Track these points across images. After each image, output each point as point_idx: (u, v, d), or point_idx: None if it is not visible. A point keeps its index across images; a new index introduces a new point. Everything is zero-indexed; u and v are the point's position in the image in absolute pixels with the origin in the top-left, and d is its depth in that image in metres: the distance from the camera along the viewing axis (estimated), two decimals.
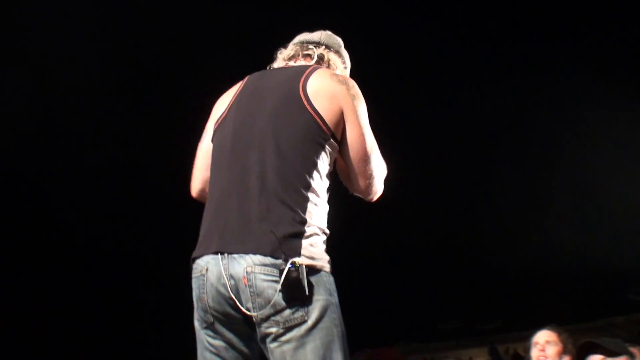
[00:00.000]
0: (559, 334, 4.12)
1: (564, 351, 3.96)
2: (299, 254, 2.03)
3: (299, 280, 1.99)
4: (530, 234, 29.30)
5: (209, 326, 2.18)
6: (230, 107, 2.39)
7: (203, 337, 2.21)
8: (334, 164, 2.35)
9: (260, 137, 2.21)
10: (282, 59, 2.51)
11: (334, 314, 2.10)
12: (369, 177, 2.35)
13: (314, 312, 2.04)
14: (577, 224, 29.74)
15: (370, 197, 2.43)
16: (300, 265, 2.00)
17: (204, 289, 2.15)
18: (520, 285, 29.86)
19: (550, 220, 29.17)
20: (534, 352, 4.07)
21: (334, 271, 2.16)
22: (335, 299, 2.12)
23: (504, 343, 24.69)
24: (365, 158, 2.31)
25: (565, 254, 27.90)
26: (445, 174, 31.37)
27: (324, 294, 2.07)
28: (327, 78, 2.27)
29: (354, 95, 2.27)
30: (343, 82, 2.30)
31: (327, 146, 2.22)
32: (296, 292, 2.00)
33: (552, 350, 3.96)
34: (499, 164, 31.45)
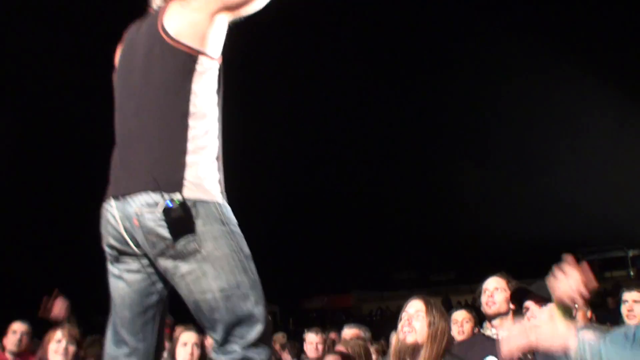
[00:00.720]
0: (508, 281, 4.23)
1: None
2: (180, 189, 2.11)
3: (181, 216, 2.07)
4: (486, 192, 29.86)
5: (114, 259, 2.31)
6: (117, 64, 2.47)
7: (110, 268, 2.34)
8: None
9: (137, 85, 2.29)
10: (155, 3, 2.49)
11: (231, 241, 2.16)
12: None
13: (207, 242, 2.11)
14: (532, 185, 30.38)
15: None
16: (182, 200, 2.08)
17: (106, 229, 2.28)
18: (474, 240, 30.59)
19: (505, 179, 29.75)
20: (484, 298, 4.18)
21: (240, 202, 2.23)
22: (228, 227, 2.18)
23: (457, 295, 25.33)
24: None
25: (520, 213, 28.60)
26: (399, 129, 31.50)
27: (214, 224, 2.14)
28: (177, 8, 2.30)
29: (202, 3, 2.31)
30: (188, 1, 2.33)
31: (200, 67, 2.26)
32: (182, 226, 2.09)
33: (500, 296, 4.07)
34: (453, 120, 31.74)
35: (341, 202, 30.90)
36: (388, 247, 32.19)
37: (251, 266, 2.19)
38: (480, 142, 30.75)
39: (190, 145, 2.18)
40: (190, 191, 2.12)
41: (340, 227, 31.10)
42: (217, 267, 2.11)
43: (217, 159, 2.28)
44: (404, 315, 3.50)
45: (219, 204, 2.19)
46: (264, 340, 2.13)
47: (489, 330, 4.20)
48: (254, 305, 2.13)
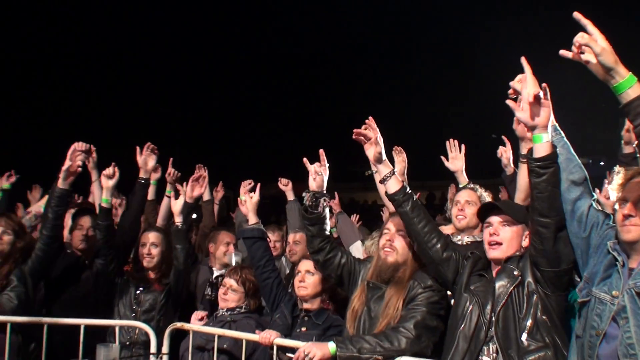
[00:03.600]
0: (480, 196, 4.22)
1: None
2: None
3: None
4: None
5: None
6: None
7: None
8: None
9: None
10: None
11: None
12: None
13: None
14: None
15: None
16: None
17: None
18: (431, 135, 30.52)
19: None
20: (454, 211, 4.18)
21: None
22: None
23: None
24: None
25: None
26: None
27: None
28: None
29: None
30: None
31: None
32: None
33: (471, 210, 4.07)
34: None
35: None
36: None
37: None
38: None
39: None
40: None
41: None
42: None
43: None
44: (385, 232, 3.50)
45: None
46: None
47: (456, 237, 4.18)
48: None
